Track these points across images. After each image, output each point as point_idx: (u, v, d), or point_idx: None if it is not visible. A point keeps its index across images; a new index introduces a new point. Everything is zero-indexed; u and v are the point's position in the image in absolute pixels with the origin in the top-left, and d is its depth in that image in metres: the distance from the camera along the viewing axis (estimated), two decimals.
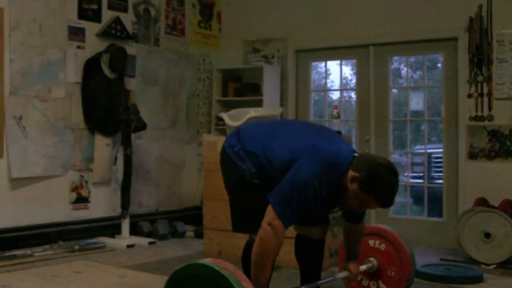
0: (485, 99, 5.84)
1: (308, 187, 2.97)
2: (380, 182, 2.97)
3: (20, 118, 5.45)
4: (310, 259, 3.55)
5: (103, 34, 6.14)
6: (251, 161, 3.18)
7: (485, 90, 5.84)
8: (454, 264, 4.96)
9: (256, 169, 3.17)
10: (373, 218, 6.29)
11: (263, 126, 3.43)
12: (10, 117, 5.37)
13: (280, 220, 2.94)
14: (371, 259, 3.79)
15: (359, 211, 3.20)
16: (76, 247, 5.37)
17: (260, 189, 3.14)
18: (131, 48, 6.45)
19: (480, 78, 5.86)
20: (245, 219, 3.25)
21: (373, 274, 3.81)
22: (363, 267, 3.71)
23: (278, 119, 5.39)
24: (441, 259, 5.27)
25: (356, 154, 3.15)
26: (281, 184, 3.01)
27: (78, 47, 5.96)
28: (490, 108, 5.82)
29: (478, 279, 4.51)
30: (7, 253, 5.01)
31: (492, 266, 5.04)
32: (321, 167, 3.00)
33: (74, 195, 5.94)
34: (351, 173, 3.01)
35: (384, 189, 2.99)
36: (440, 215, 6.25)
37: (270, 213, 2.97)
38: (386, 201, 3.02)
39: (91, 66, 6.03)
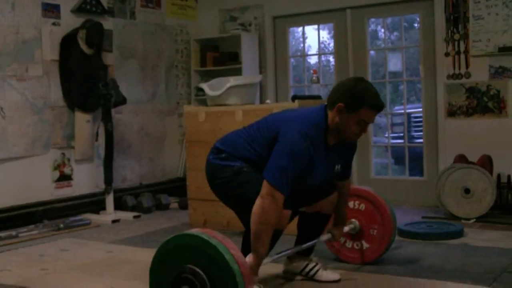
0: (462, 56, 5.88)
1: (299, 149, 3.05)
2: (362, 93, 3.13)
3: None
4: (313, 230, 3.60)
5: (79, 10, 6.08)
6: (242, 161, 3.23)
7: (462, 48, 5.88)
8: (435, 221, 5.05)
9: (249, 165, 3.22)
10: (356, 180, 6.36)
11: (236, 130, 3.45)
12: None
13: (278, 190, 2.98)
14: (353, 220, 3.84)
15: (364, 132, 3.25)
16: (61, 225, 5.35)
17: (259, 175, 3.14)
18: (107, 23, 6.38)
19: (456, 36, 5.89)
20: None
21: (356, 235, 3.87)
22: (345, 229, 3.77)
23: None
24: (423, 217, 5.36)
25: (325, 104, 3.28)
26: (272, 157, 3.07)
27: (54, 24, 5.90)
28: (467, 66, 5.87)
29: (459, 234, 4.59)
30: None
31: (471, 221, 5.13)
32: (304, 126, 3.11)
33: (57, 174, 5.94)
34: (331, 112, 3.16)
35: (370, 96, 3.14)
36: (421, 174, 6.33)
37: (266, 186, 3.00)
38: (378, 103, 3.16)
39: (67, 43, 5.97)
